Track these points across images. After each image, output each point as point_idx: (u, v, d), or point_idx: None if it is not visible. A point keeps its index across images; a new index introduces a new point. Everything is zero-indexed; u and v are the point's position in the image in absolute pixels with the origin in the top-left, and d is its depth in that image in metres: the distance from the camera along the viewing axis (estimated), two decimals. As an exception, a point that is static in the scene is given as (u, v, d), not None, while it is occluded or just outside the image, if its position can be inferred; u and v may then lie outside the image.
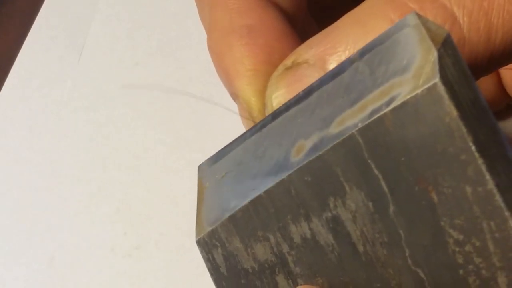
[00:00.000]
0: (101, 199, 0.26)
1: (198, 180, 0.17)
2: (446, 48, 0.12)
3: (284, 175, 0.13)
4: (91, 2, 0.34)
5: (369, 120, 0.12)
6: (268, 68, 0.18)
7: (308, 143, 0.13)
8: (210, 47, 0.19)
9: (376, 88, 0.12)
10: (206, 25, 0.20)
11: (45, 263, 0.25)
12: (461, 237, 0.12)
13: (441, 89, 0.12)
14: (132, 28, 0.32)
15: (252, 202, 0.14)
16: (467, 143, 0.12)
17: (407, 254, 0.13)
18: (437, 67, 0.12)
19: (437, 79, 0.11)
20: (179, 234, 0.25)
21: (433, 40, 0.12)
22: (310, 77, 0.16)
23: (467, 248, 0.12)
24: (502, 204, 0.12)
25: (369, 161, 0.12)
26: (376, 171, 0.12)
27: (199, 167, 0.17)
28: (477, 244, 0.12)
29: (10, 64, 0.32)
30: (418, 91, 0.12)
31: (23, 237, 0.26)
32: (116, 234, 0.25)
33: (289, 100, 0.15)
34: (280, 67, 0.17)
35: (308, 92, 0.14)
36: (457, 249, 0.12)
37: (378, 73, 0.13)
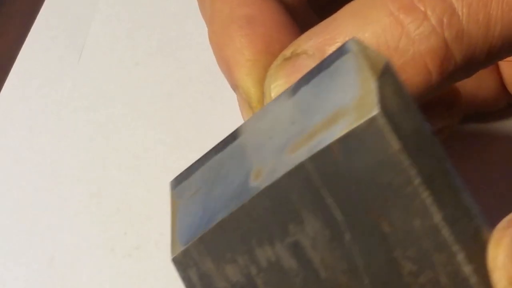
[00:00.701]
0: (101, 199, 0.26)
1: (170, 196, 0.17)
2: (386, 76, 0.12)
3: (245, 200, 0.13)
4: (91, 2, 0.34)
5: (317, 150, 0.12)
6: (268, 58, 0.18)
7: (265, 168, 0.13)
8: (210, 38, 0.19)
9: (322, 116, 0.12)
10: (206, 17, 0.20)
11: (45, 263, 0.25)
12: (414, 268, 0.12)
13: (382, 121, 0.11)
14: (132, 28, 0.32)
15: (219, 224, 0.14)
16: (410, 176, 0.11)
17: (366, 282, 0.12)
18: (376, 98, 0.11)
19: (376, 112, 0.11)
20: (179, 234, 0.25)
21: (372, 69, 0.12)
22: (309, 67, 0.16)
23: (421, 279, 0.12)
24: (450, 238, 0.12)
25: (322, 189, 0.12)
26: (329, 200, 0.12)
27: (171, 182, 0.17)
28: (430, 276, 0.12)
29: (10, 64, 0.32)
30: (360, 123, 0.11)
31: (23, 237, 0.26)
32: (116, 234, 0.25)
33: (248, 120, 0.15)
34: (279, 58, 0.17)
35: (264, 112, 0.14)
36: (412, 280, 0.12)
37: (323, 100, 0.13)
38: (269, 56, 0.18)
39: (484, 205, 0.25)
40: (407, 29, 0.15)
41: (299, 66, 0.16)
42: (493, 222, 0.24)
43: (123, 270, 0.24)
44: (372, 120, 0.11)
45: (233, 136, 0.15)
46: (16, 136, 0.29)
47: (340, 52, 0.13)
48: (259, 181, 0.13)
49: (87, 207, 0.26)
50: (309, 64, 0.16)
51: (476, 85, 0.24)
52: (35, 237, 0.26)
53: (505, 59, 0.24)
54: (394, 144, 0.11)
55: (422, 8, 0.15)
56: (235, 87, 0.19)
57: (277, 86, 0.17)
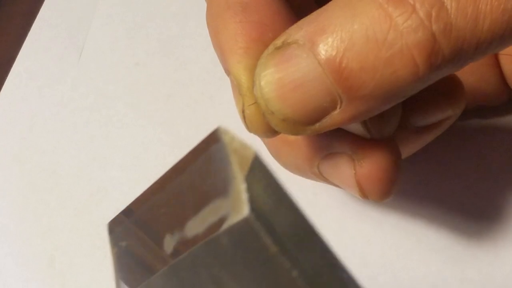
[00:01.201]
0: (101, 199, 0.26)
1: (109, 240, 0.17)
2: (255, 171, 0.11)
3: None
4: (91, 2, 0.34)
5: (208, 238, 0.12)
6: (260, 47, 0.18)
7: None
8: (207, 21, 0.19)
9: (208, 202, 0.12)
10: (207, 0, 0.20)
11: (44, 262, 0.25)
12: None
13: (254, 223, 0.11)
14: (132, 28, 0.32)
15: None
16: (293, 276, 0.11)
17: None
18: (245, 199, 0.11)
19: (247, 213, 0.11)
20: (179, 234, 0.25)
21: (240, 164, 0.11)
22: (299, 57, 0.16)
23: None
24: None
25: (220, 272, 0.12)
26: (228, 283, 0.12)
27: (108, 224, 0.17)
28: None
29: (10, 64, 0.32)
30: (236, 220, 0.11)
31: (23, 237, 0.26)
32: (116, 234, 0.25)
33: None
34: (271, 47, 0.17)
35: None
36: None
37: (208, 186, 0.12)
38: (261, 45, 0.18)
39: (485, 200, 0.25)
40: (396, 22, 0.16)
41: (289, 56, 0.17)
42: (491, 216, 0.24)
43: (123, 270, 0.24)
44: (245, 221, 0.11)
45: None
46: (16, 136, 0.29)
47: (214, 137, 0.12)
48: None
49: (87, 207, 0.26)
50: (299, 53, 0.16)
51: (477, 80, 0.24)
52: (34, 236, 0.26)
53: (504, 53, 0.24)
54: (270, 246, 0.11)
55: (411, 1, 0.15)
56: (227, 72, 0.19)
57: (267, 74, 0.17)
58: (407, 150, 0.23)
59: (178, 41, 0.32)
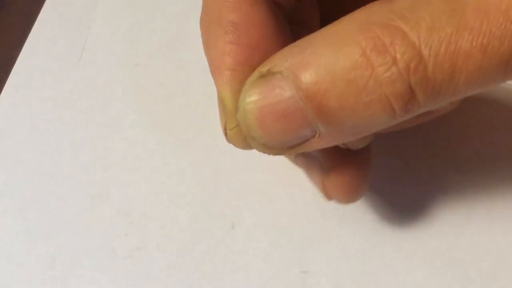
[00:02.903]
0: (102, 200, 0.26)
1: None
2: None
3: None
4: (92, 3, 0.34)
5: None
6: (247, 70, 0.18)
7: None
8: (201, 29, 0.20)
9: None
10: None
11: (46, 264, 0.25)
12: None
13: None
14: (132, 29, 0.32)
15: None
16: None
17: None
18: None
19: None
20: (180, 235, 0.25)
21: None
22: (282, 89, 0.17)
23: None
24: None
25: None
26: None
27: None
28: None
29: (11, 64, 0.32)
30: None
31: (24, 238, 0.26)
32: (117, 235, 0.25)
33: None
34: (256, 73, 0.18)
35: None
36: None
37: None
38: (248, 68, 0.18)
39: (485, 200, 0.25)
40: (376, 72, 0.16)
41: (273, 86, 0.17)
42: (492, 216, 0.24)
43: (124, 271, 0.24)
44: None
45: None
46: (17, 136, 0.29)
47: None
48: None
49: (88, 208, 0.26)
50: (283, 85, 0.17)
51: None
52: (36, 238, 0.26)
53: None
54: None
55: (392, 52, 0.16)
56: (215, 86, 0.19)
57: (250, 103, 0.17)
58: (398, 126, 0.24)
59: (178, 41, 0.32)
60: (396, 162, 0.26)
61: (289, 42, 0.19)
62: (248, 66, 0.18)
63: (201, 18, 0.20)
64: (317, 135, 0.18)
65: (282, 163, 0.26)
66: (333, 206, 0.25)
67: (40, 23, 0.34)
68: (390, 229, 0.25)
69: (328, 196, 0.22)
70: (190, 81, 0.30)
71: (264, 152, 0.19)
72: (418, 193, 0.25)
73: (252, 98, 0.17)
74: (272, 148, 0.18)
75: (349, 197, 0.22)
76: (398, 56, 0.16)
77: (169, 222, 0.26)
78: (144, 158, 0.28)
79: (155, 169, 0.27)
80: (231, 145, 0.27)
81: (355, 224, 0.25)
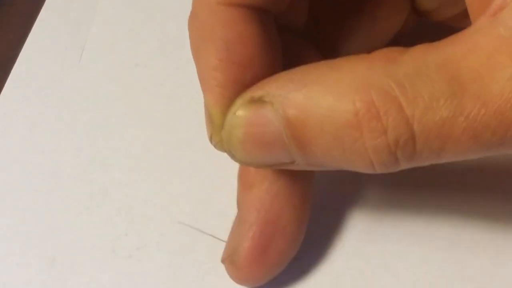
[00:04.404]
0: (102, 200, 0.26)
1: None
2: None
3: None
4: (92, 3, 0.34)
5: None
6: (237, 88, 0.18)
7: None
8: (190, 30, 0.20)
9: None
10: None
11: (46, 264, 0.25)
12: None
13: None
14: (132, 28, 0.32)
15: None
16: None
17: None
18: None
19: None
20: (180, 235, 0.25)
21: None
22: (270, 121, 0.17)
23: None
24: None
25: None
26: None
27: None
28: None
29: (11, 64, 0.32)
30: None
31: (24, 238, 0.26)
32: (117, 235, 0.25)
33: None
34: (247, 97, 0.18)
35: None
36: None
37: None
38: (239, 86, 0.18)
39: (485, 199, 0.25)
40: (365, 137, 0.16)
41: (261, 116, 0.17)
42: (492, 215, 0.24)
43: (124, 271, 0.24)
44: None
45: None
46: (17, 136, 0.29)
47: None
48: None
49: (88, 208, 0.26)
50: (272, 118, 0.17)
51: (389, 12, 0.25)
52: (36, 238, 0.26)
53: None
54: None
55: (385, 123, 0.16)
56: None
57: (236, 126, 0.18)
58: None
59: (178, 41, 0.32)
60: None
61: (280, 58, 0.19)
62: (238, 84, 0.18)
63: (190, 22, 0.20)
64: (295, 163, 0.18)
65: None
66: (332, 206, 0.25)
67: (40, 23, 0.34)
68: (390, 228, 0.25)
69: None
70: (190, 81, 0.30)
71: (241, 164, 0.20)
72: (417, 192, 0.25)
73: (239, 121, 0.18)
74: (249, 164, 0.19)
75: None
76: (389, 128, 0.16)
77: (169, 222, 0.26)
78: (144, 158, 0.28)
79: (155, 169, 0.27)
80: (231, 145, 0.27)
81: (355, 224, 0.25)
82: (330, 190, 0.26)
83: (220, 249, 0.24)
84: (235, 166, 0.27)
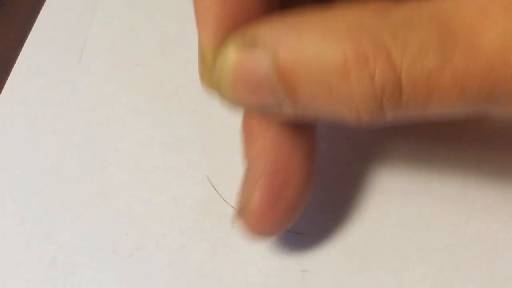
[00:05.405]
0: (102, 200, 0.26)
1: None
2: None
3: None
4: (92, 3, 0.34)
5: None
6: (230, 26, 0.19)
7: None
8: None
9: None
10: None
11: (45, 264, 0.25)
12: None
13: None
14: (132, 28, 0.32)
15: None
16: None
17: None
18: None
19: None
20: (180, 235, 0.25)
21: None
22: (261, 63, 0.17)
23: None
24: None
25: None
26: None
27: None
28: None
29: (11, 64, 0.32)
30: None
31: (23, 238, 0.26)
32: (117, 235, 0.25)
33: None
34: (239, 38, 0.18)
35: None
36: None
37: None
38: (232, 24, 0.19)
39: (484, 199, 0.25)
40: (351, 84, 0.16)
41: (252, 57, 0.18)
42: (492, 215, 0.24)
43: (124, 271, 0.24)
44: None
45: None
46: (17, 136, 0.29)
47: None
48: None
49: (88, 208, 0.26)
50: (263, 60, 0.17)
51: None
52: (35, 238, 0.26)
53: None
54: None
55: (372, 69, 0.16)
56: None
57: (227, 67, 0.18)
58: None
59: (179, 41, 0.32)
60: (394, 162, 0.26)
61: (276, 2, 0.19)
62: (233, 23, 0.19)
63: None
64: (282, 109, 0.18)
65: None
66: (332, 205, 0.25)
67: (40, 23, 0.34)
68: (390, 228, 0.25)
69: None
70: (190, 81, 0.30)
71: (229, 106, 0.20)
72: (417, 191, 0.25)
73: (230, 62, 0.18)
74: (237, 106, 0.19)
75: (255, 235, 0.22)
76: (377, 75, 0.16)
77: (169, 222, 0.26)
78: (144, 158, 0.28)
79: (155, 169, 0.27)
80: (231, 145, 0.27)
81: (355, 223, 0.25)
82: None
83: (220, 249, 0.24)
84: (235, 166, 0.27)
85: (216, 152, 0.27)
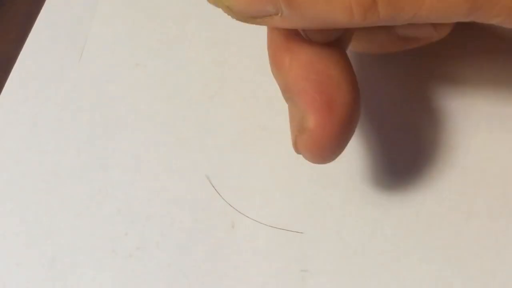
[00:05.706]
0: (102, 199, 0.26)
1: None
2: None
3: None
4: (92, 3, 0.34)
5: None
6: None
7: None
8: None
9: None
10: None
11: (45, 263, 0.25)
12: None
13: None
14: (132, 28, 0.32)
15: None
16: None
17: None
18: None
19: None
20: (180, 235, 0.25)
21: None
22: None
23: None
24: None
25: None
26: None
27: None
28: None
29: (11, 64, 0.32)
30: None
31: (24, 238, 0.26)
32: (117, 235, 0.25)
33: None
34: None
35: None
36: None
37: None
38: None
39: (485, 198, 0.25)
40: None
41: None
42: (492, 214, 0.24)
43: (124, 270, 0.24)
44: None
45: None
46: (17, 136, 0.29)
47: None
48: None
49: (88, 207, 0.26)
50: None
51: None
52: (35, 238, 0.26)
53: None
54: None
55: None
56: None
57: None
58: (386, 49, 0.25)
59: (178, 41, 0.32)
60: (395, 157, 0.26)
61: None
62: None
63: None
64: (279, 14, 0.18)
65: (282, 163, 0.26)
66: (333, 205, 0.25)
67: (40, 23, 0.34)
68: (390, 227, 0.25)
69: (298, 151, 0.21)
70: (190, 81, 0.30)
71: (229, 15, 0.20)
72: (417, 191, 0.25)
73: None
74: (236, 13, 0.19)
75: (319, 160, 0.21)
76: None
77: (169, 221, 0.26)
78: (144, 158, 0.28)
79: (155, 169, 0.27)
80: (231, 145, 0.27)
81: (355, 223, 0.25)
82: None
83: (220, 249, 0.24)
84: (235, 166, 0.27)
85: (216, 152, 0.27)
